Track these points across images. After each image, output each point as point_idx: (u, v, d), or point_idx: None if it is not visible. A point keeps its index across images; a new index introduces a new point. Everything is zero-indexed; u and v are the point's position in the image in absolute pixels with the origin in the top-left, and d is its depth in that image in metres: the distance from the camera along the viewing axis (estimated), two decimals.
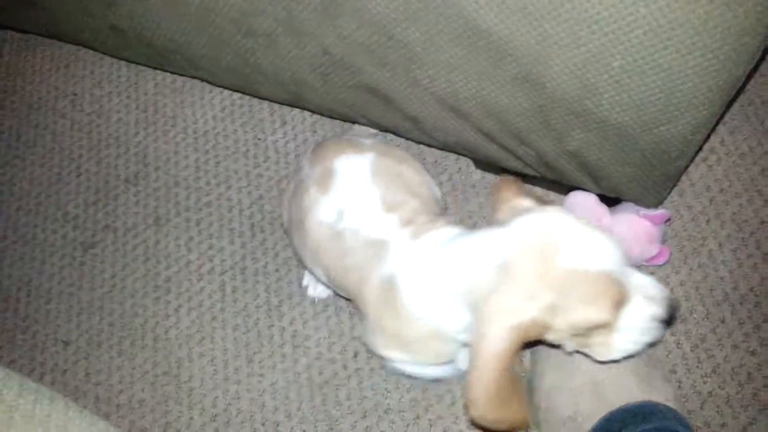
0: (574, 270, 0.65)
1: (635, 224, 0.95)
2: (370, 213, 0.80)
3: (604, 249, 0.67)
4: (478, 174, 1.10)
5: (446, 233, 0.76)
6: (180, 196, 1.17)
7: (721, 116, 0.99)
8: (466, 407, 0.73)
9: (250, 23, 0.88)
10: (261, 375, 1.01)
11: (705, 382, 0.93)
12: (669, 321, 0.71)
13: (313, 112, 1.14)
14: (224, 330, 1.05)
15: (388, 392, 0.97)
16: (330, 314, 1.04)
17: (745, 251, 1.00)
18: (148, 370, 1.04)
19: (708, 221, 1.03)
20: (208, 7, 0.89)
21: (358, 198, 0.81)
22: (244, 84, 1.06)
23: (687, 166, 0.86)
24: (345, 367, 1.00)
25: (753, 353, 0.94)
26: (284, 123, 1.20)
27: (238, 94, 1.23)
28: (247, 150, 1.19)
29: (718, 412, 0.91)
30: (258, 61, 0.96)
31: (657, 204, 0.93)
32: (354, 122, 1.07)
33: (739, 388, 0.92)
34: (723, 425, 0.90)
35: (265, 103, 1.22)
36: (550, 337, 0.69)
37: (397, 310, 0.75)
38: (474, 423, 0.73)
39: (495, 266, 0.67)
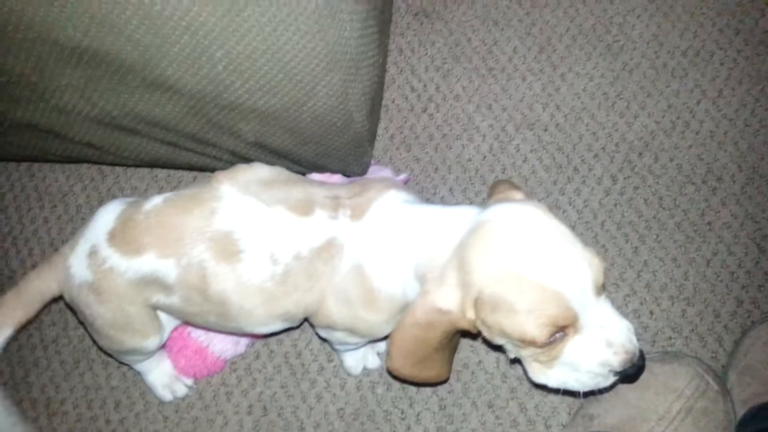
0: (523, 276, 0.61)
1: None
2: (295, 229, 0.70)
3: (569, 268, 0.61)
4: None
5: (388, 201, 0.71)
6: None
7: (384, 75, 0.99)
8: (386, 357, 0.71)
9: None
10: None
11: None
12: (625, 377, 0.67)
13: (5, 160, 1.03)
14: None
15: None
16: (83, 370, 0.97)
17: (473, 189, 1.03)
18: None
19: (436, 169, 1.05)
20: None
21: (269, 232, 0.69)
22: None
23: (371, 131, 0.85)
24: (108, 421, 0.93)
25: None
26: None
27: None
28: None
29: (472, 351, 0.93)
30: None
31: (364, 170, 0.93)
32: (47, 161, 0.99)
33: None
34: (479, 363, 0.92)
35: None
36: (486, 334, 0.66)
37: (372, 299, 0.70)
38: (390, 373, 0.75)
39: (453, 246, 0.64)
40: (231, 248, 0.69)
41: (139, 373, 0.92)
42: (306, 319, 0.77)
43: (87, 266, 0.72)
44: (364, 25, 0.67)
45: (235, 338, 0.91)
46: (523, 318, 0.61)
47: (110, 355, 0.88)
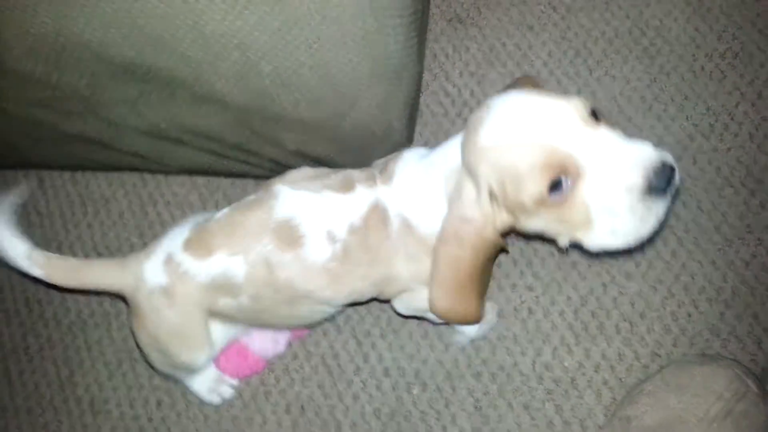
0: (507, 144, 0.62)
1: None
2: (343, 205, 0.75)
3: (545, 115, 0.61)
4: None
5: (408, 158, 0.76)
6: None
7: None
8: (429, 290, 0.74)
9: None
10: None
11: (492, 328, 0.95)
12: (659, 187, 0.61)
13: (49, 168, 1.07)
14: (18, 417, 0.99)
15: None
16: (126, 370, 1.00)
17: None
18: None
19: None
20: None
21: (322, 213, 0.75)
22: None
23: (410, 139, 0.87)
24: (150, 420, 0.96)
25: (529, 288, 0.97)
26: (42, 181, 1.13)
27: None
28: None
29: (508, 353, 0.94)
30: None
31: None
32: (92, 169, 1.02)
33: (522, 325, 0.95)
34: (514, 365, 0.93)
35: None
36: (517, 226, 0.68)
37: (428, 246, 0.72)
38: (432, 310, 0.75)
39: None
40: (293, 235, 0.74)
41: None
42: (376, 299, 0.81)
43: (163, 271, 0.77)
44: (407, 37, 0.69)
45: (274, 337, 0.93)
46: (524, 178, 0.61)
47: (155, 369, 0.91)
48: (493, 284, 0.98)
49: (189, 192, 1.08)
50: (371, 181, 0.76)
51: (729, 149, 1.00)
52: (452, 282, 0.72)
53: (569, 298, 0.96)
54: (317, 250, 0.74)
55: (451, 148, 0.72)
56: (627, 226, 0.63)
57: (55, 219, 1.10)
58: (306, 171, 0.79)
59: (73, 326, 1.03)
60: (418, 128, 1.10)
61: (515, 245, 1.00)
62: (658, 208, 0.62)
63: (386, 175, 0.76)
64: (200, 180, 1.09)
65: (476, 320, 0.77)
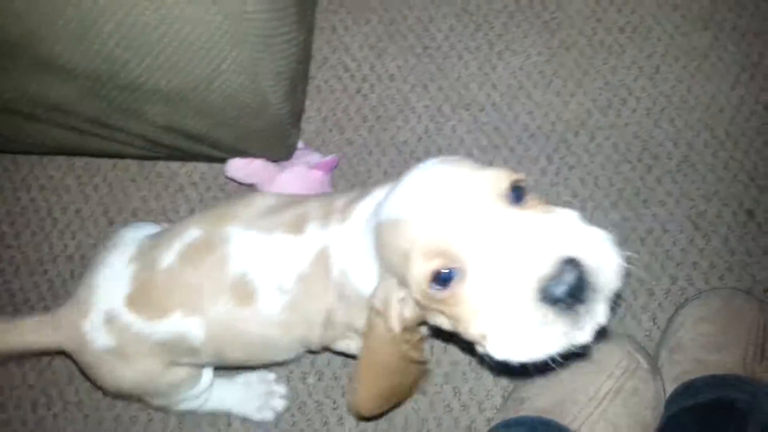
0: (390, 221, 0.55)
1: (307, 176, 0.93)
2: (292, 250, 0.67)
3: (445, 192, 0.51)
4: None
5: (371, 200, 0.65)
6: None
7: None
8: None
9: None
10: None
11: None
12: (556, 297, 0.48)
13: None
14: None
15: None
16: None
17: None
18: None
19: (371, 152, 1.02)
20: None
21: (273, 261, 0.68)
22: None
23: (293, 114, 0.82)
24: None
25: None
26: None
27: None
28: None
29: None
30: None
31: (289, 154, 0.89)
32: None
33: None
34: None
35: None
36: (429, 319, 0.58)
37: (363, 305, 0.62)
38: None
39: None
40: (247, 290, 0.68)
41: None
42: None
43: (107, 332, 0.69)
44: None
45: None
46: (408, 262, 0.52)
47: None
48: None
49: (65, 175, 1.00)
50: (326, 219, 0.68)
51: (626, 125, 1.00)
52: (366, 373, 0.65)
53: None
54: (270, 304, 0.68)
55: None
56: (521, 338, 0.50)
57: None
58: (261, 201, 0.72)
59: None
60: (315, 104, 1.05)
61: None
62: (564, 321, 0.49)
63: (345, 214, 0.67)
64: (78, 162, 1.01)
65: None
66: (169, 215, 0.97)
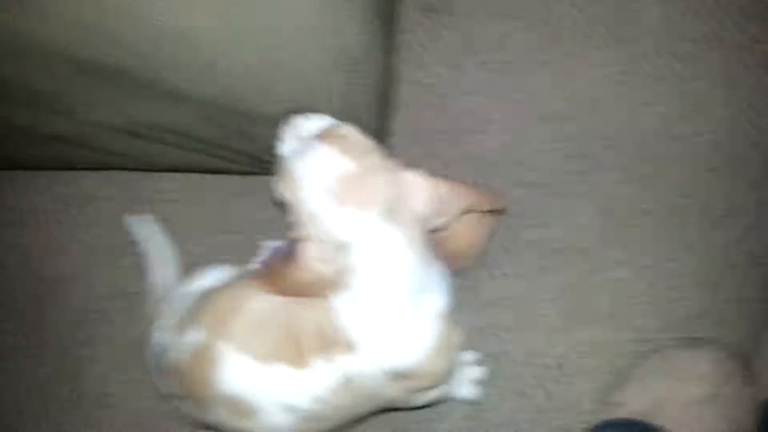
0: None
1: None
2: (301, 381, 0.70)
3: None
4: None
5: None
6: None
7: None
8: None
9: None
10: None
11: (480, 316, 0.95)
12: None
13: (38, 169, 1.03)
14: (27, 414, 0.98)
15: None
16: (129, 364, 0.96)
17: (488, 183, 1.03)
18: None
19: (450, 164, 1.05)
20: None
21: (280, 388, 0.70)
22: None
23: (381, 131, 0.86)
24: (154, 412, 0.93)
25: (517, 276, 0.97)
26: (30, 182, 1.08)
27: None
28: (12, 221, 1.06)
29: (498, 341, 0.94)
30: None
31: None
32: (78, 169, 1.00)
33: (512, 313, 0.95)
34: (505, 353, 0.93)
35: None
36: None
37: None
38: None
39: None
40: (245, 408, 0.70)
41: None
42: None
43: None
44: (364, 22, 0.68)
45: None
46: None
47: None
48: (482, 272, 0.97)
49: (177, 189, 1.05)
50: (326, 351, 0.69)
51: (704, 133, 1.02)
52: None
53: (556, 285, 0.97)
54: (276, 419, 0.72)
55: None
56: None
57: (52, 219, 1.06)
58: (250, 309, 0.71)
59: (78, 324, 1.02)
60: (396, 120, 1.08)
61: (501, 233, 0.99)
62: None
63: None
64: (185, 177, 1.06)
65: None
66: (274, 224, 0.99)
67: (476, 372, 0.91)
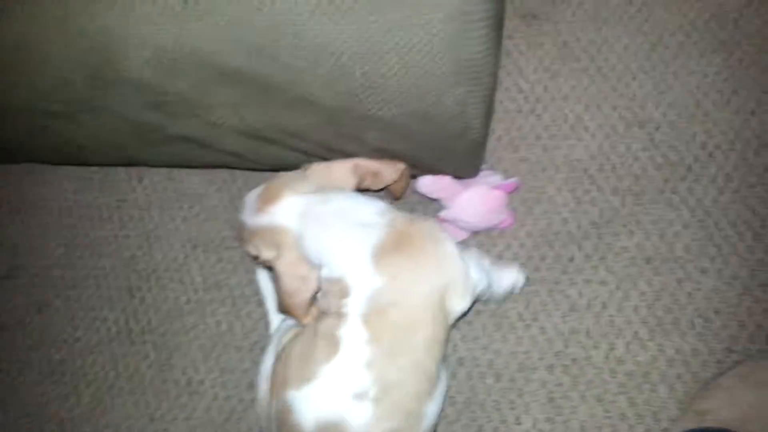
0: None
1: (489, 196, 1.00)
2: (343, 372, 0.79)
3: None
4: None
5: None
6: (56, 278, 1.18)
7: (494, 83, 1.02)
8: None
9: (44, 107, 0.90)
10: (165, 430, 1.04)
11: (565, 322, 0.98)
12: None
13: (151, 166, 1.16)
14: (122, 397, 1.08)
15: None
16: (219, 353, 1.08)
17: (581, 188, 1.05)
18: None
19: (544, 169, 1.08)
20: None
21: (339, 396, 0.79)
22: (76, 158, 1.08)
23: (485, 136, 0.90)
24: (241, 401, 1.04)
25: (603, 283, 0.99)
26: (141, 179, 1.22)
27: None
28: (111, 215, 1.21)
29: (581, 347, 0.97)
30: (73, 137, 0.98)
31: (475, 172, 0.98)
32: (190, 167, 1.10)
33: (595, 319, 0.98)
34: (588, 358, 0.96)
35: (120, 166, 1.24)
36: None
37: None
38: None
39: None
40: (336, 427, 0.78)
41: None
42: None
43: None
44: (487, 39, 0.72)
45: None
46: None
47: None
48: (565, 277, 1.01)
49: None
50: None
51: None
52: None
53: (643, 293, 0.97)
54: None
55: None
56: None
57: (154, 212, 1.18)
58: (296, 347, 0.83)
59: (170, 312, 1.12)
60: (493, 125, 1.12)
61: (590, 239, 1.01)
62: None
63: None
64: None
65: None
66: None
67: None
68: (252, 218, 0.85)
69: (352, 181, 0.89)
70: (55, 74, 0.83)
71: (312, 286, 0.82)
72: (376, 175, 0.90)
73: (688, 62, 1.08)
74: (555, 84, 1.13)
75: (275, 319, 1.00)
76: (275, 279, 0.85)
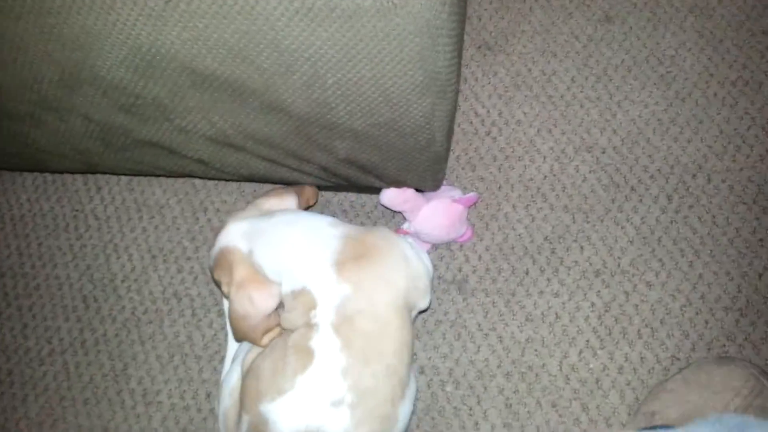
0: None
1: (450, 209, 1.04)
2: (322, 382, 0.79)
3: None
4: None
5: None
6: (8, 285, 1.15)
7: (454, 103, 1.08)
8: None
9: (8, 108, 0.90)
10: None
11: (522, 331, 1.02)
12: None
13: (113, 174, 1.15)
14: (74, 407, 1.05)
15: None
16: (177, 363, 1.06)
17: (535, 206, 1.11)
18: None
19: (500, 187, 1.13)
20: None
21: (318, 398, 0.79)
22: (35, 163, 1.06)
23: (447, 150, 0.95)
24: (199, 411, 1.02)
25: (556, 295, 1.04)
26: (99, 189, 1.21)
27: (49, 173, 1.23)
28: (67, 224, 1.19)
29: (536, 355, 1.01)
30: (35, 141, 0.97)
31: (438, 185, 1.02)
32: (152, 175, 1.10)
33: (550, 329, 1.02)
34: (543, 366, 1.00)
35: (78, 174, 1.23)
36: None
37: None
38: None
39: None
40: None
41: None
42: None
43: None
44: (453, 55, 0.77)
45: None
46: None
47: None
48: (521, 289, 1.05)
49: (237, 200, 1.16)
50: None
51: (741, 169, 1.08)
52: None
53: (593, 304, 1.03)
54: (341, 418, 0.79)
55: None
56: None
57: (113, 223, 1.17)
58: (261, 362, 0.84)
59: (127, 322, 1.10)
60: (452, 145, 1.18)
61: (544, 253, 1.07)
62: None
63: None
64: (248, 188, 1.17)
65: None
66: None
67: None
68: (210, 256, 0.89)
69: (294, 202, 0.95)
70: (26, 73, 0.84)
71: (263, 307, 0.82)
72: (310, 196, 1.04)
73: (630, 94, 1.17)
74: (509, 109, 1.20)
75: (233, 346, 1.00)
76: (228, 305, 0.86)
